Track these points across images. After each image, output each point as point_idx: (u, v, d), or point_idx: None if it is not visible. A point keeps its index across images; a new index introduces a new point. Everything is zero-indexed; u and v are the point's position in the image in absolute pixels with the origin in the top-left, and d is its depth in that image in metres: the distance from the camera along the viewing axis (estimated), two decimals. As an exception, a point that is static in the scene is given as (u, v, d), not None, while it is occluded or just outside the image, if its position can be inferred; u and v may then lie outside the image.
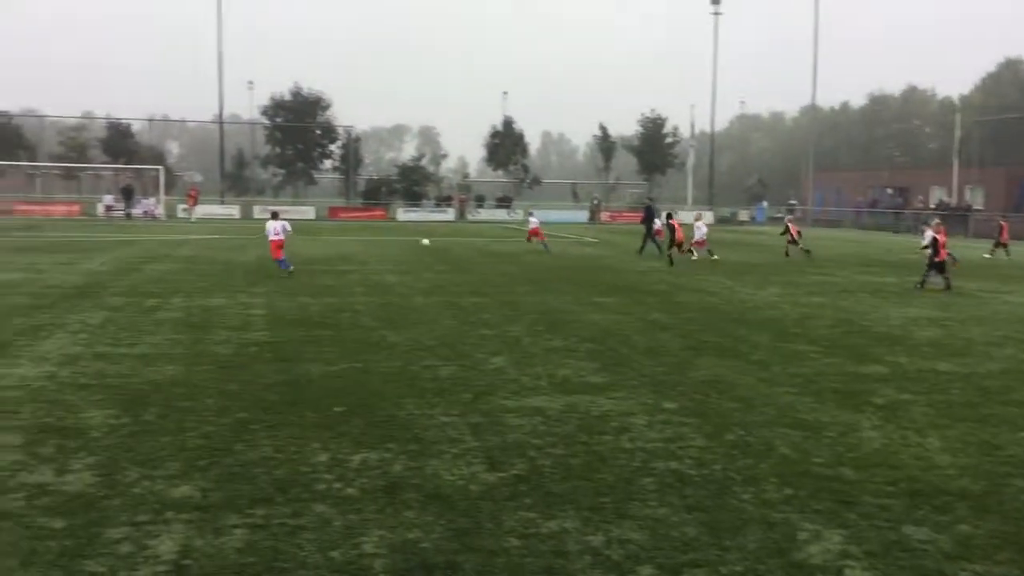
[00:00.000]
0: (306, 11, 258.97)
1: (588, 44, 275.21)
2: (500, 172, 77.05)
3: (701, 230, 28.41)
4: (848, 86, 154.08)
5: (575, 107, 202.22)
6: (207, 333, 12.09)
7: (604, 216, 66.44)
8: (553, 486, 5.95)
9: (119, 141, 70.38)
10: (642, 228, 32.21)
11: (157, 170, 58.83)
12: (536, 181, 75.97)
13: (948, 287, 19.45)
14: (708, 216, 56.49)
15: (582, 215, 67.36)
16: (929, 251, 20.43)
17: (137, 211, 55.90)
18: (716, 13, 70.67)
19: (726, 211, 69.90)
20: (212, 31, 62.80)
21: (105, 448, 6.67)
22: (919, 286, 19.77)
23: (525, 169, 74.37)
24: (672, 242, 26.29)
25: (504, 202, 67.06)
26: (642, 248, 30.33)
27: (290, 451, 6.65)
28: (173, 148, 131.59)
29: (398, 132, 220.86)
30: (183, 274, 20.48)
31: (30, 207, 58.92)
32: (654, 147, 75.88)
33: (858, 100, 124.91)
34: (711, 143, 77.52)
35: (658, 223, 31.00)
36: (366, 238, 38.02)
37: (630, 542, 5.05)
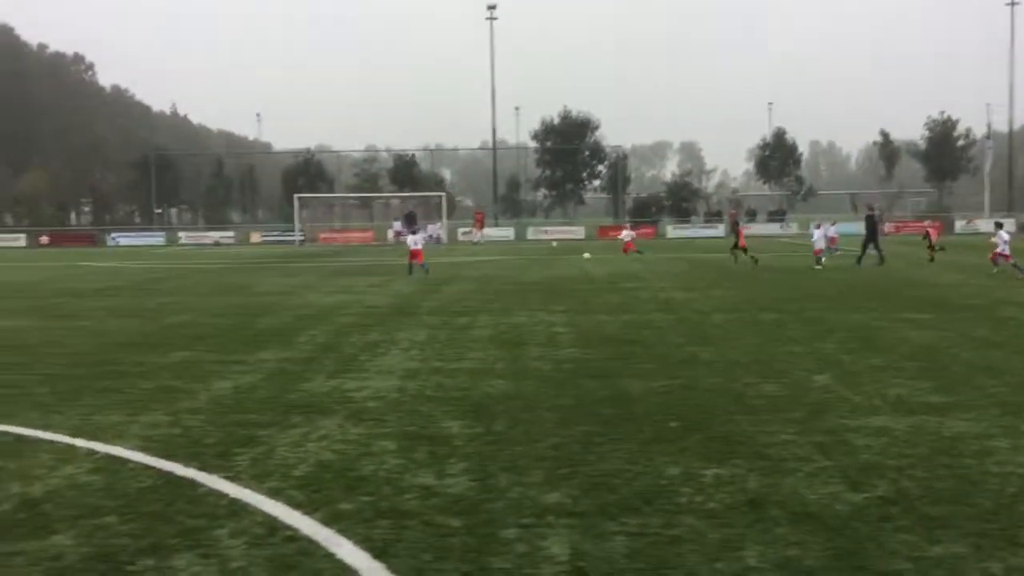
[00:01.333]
0: (564, 36, 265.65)
1: (858, 47, 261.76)
2: (769, 185, 74.88)
3: (1004, 239, 26.06)
4: None
5: (846, 114, 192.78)
6: (522, 350, 12.71)
7: (887, 227, 62.66)
8: (927, 509, 5.73)
9: (404, 170, 75.71)
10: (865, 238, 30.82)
11: (440, 196, 62.64)
12: (811, 192, 73.18)
13: None
14: (1010, 224, 51.77)
15: (862, 227, 63.84)
16: None
17: (422, 236, 59.76)
18: (1012, 3, 64.93)
19: (1030, 218, 63.69)
20: (475, 62, 66.10)
21: (470, 455, 7.20)
22: None
23: (799, 181, 71.87)
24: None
25: (777, 215, 65.17)
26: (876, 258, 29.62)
27: (641, 464, 6.86)
28: (446, 175, 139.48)
29: (659, 149, 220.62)
30: (479, 294, 21.65)
31: (332, 234, 64.75)
32: (943, 151, 70.69)
33: None
34: (1009, 144, 71.03)
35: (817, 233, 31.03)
36: (647, 256, 38.28)
37: (1032, 572, 4.77)
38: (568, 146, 72.88)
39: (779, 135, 73.15)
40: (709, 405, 8.91)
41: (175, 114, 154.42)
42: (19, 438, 7.96)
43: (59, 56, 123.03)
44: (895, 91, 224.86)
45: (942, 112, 72.71)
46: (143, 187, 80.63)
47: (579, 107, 75.69)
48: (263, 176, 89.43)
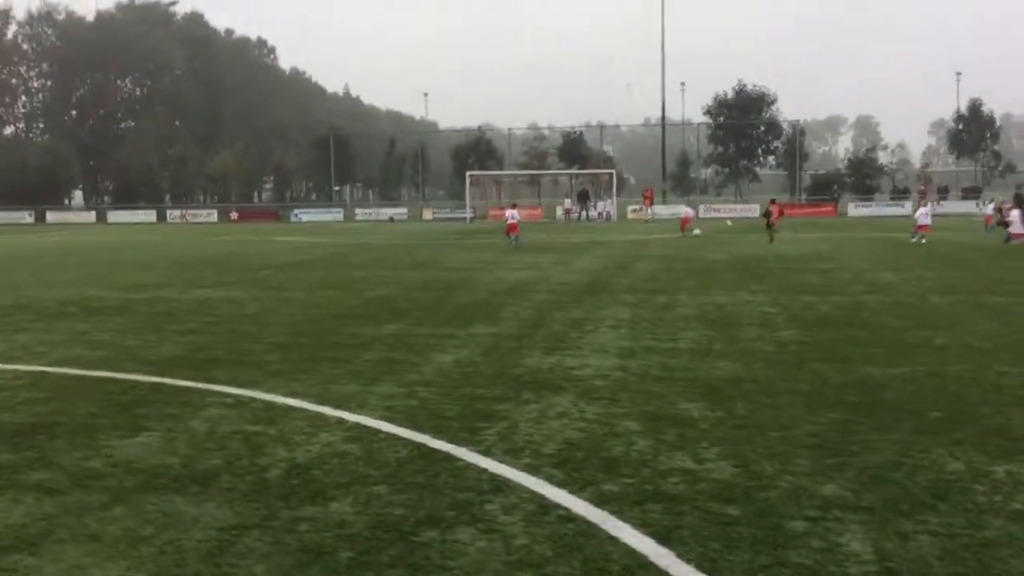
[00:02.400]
0: (727, 7, 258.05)
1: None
2: (959, 161, 70.27)
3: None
4: None
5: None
6: (736, 330, 12.25)
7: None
8: None
9: (572, 148, 75.53)
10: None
11: (610, 174, 62.14)
12: (1010, 168, 68.16)
13: None
14: None
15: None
16: None
17: (593, 213, 59.45)
18: None
19: None
20: (638, 42, 64.86)
21: (721, 439, 6.90)
22: None
23: (996, 156, 67.06)
24: None
25: (972, 193, 61.07)
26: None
27: (915, 456, 6.37)
28: (609, 152, 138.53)
29: (831, 124, 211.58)
30: (668, 272, 21.18)
31: (501, 211, 65.42)
32: None
33: None
34: None
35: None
36: (830, 235, 36.67)
37: None
38: (741, 121, 70.73)
39: (974, 107, 68.41)
40: (966, 395, 8.25)
41: (347, 95, 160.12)
42: (269, 405, 8.24)
43: (244, 41, 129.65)
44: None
45: None
46: (322, 165, 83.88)
47: (753, 81, 73.32)
48: (432, 154, 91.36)
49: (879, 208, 60.27)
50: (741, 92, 72.25)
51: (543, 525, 5.20)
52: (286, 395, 8.59)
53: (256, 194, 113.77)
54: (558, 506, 5.51)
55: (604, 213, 59.78)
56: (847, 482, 5.87)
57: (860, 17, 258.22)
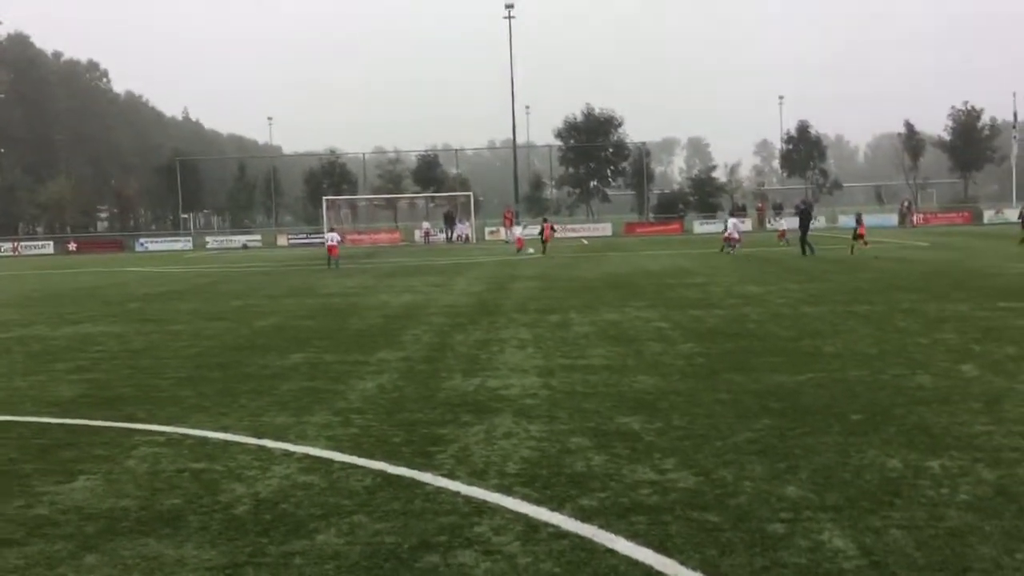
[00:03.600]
0: (566, 34, 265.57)
1: (856, 38, 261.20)
2: (792, 179, 74.65)
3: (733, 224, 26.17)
4: None
5: (852, 105, 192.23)
6: (639, 346, 12.66)
7: (915, 219, 62.51)
8: None
9: (427, 171, 75.68)
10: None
11: (467, 196, 62.62)
12: (836, 185, 72.93)
13: None
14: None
15: (890, 219, 63.83)
16: None
17: (453, 235, 59.74)
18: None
19: (1059, 207, 63.41)
20: (478, 62, 66.08)
21: (671, 450, 7.16)
22: None
23: (824, 174, 71.65)
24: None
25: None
26: (803, 249, 32.50)
27: (855, 457, 6.81)
28: (465, 174, 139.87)
29: (667, 146, 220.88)
30: (549, 291, 21.60)
31: (358, 236, 64.79)
32: (969, 142, 70.43)
33: None
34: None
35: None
36: (683, 251, 38.23)
37: None
38: (591, 143, 72.80)
39: (802, 128, 73.01)
40: (875, 397, 8.86)
41: (187, 119, 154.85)
42: (203, 440, 7.96)
43: (73, 63, 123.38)
44: (899, 83, 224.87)
45: (966, 102, 72.58)
46: (169, 192, 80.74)
47: (600, 104, 75.74)
48: (283, 179, 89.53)
49: (721, 225, 63.26)
50: (589, 115, 74.45)
51: (538, 543, 5.29)
52: (217, 430, 8.31)
53: (93, 224, 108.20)
54: (546, 524, 5.60)
55: (463, 235, 60.17)
56: (804, 484, 6.23)
57: (687, 48, 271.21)
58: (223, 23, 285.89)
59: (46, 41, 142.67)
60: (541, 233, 41.78)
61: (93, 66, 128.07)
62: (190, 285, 27.83)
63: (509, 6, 68.05)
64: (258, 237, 68.41)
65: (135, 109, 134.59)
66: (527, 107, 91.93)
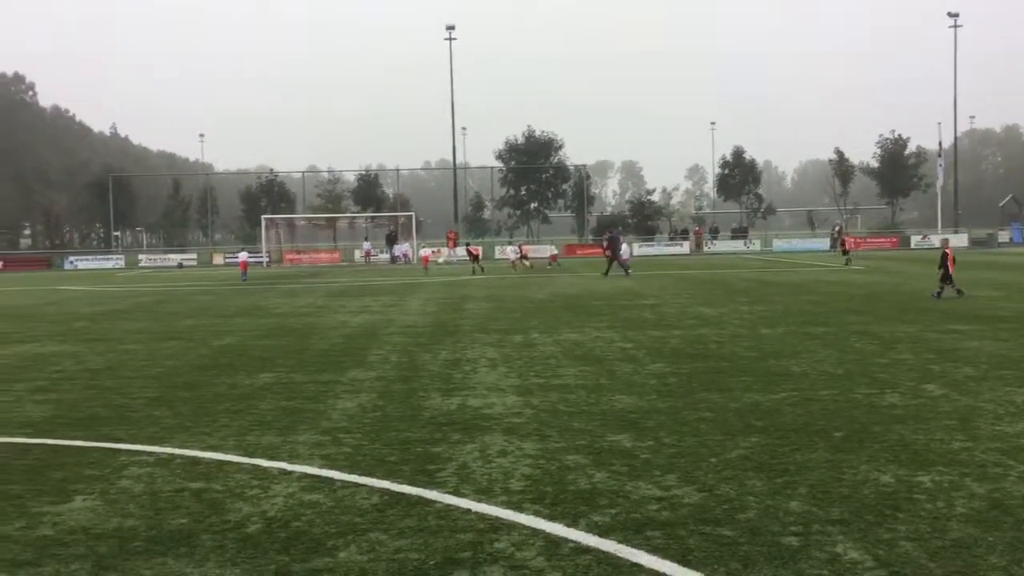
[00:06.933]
0: (501, 56, 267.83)
1: (784, 69, 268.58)
2: (727, 203, 76.18)
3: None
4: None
5: (779, 132, 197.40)
6: (609, 365, 12.82)
7: (849, 242, 64.19)
8: None
9: (367, 191, 75.31)
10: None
11: (408, 216, 62.46)
12: (770, 210, 74.67)
13: None
14: (958, 239, 53.82)
15: (821, 243, 65.54)
16: None
17: (395, 255, 59.50)
18: (955, 26, 67.54)
19: (981, 233, 65.90)
20: (409, 82, 66.36)
21: (668, 467, 7.28)
22: None
23: (759, 199, 73.33)
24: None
25: (740, 233, 66.38)
26: (607, 271, 36.52)
27: (848, 473, 7.02)
28: (405, 194, 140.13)
29: (601, 168, 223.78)
30: (506, 312, 21.68)
31: (298, 256, 64.10)
32: (896, 169, 72.80)
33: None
34: (955, 160, 73.50)
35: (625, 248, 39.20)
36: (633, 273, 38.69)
37: None
38: (531, 165, 73.37)
39: (738, 154, 74.70)
40: (851, 415, 9.13)
41: (115, 135, 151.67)
42: (194, 460, 7.84)
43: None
44: (819, 112, 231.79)
45: (893, 131, 75.15)
46: (95, 209, 78.82)
47: (541, 127, 76.42)
48: (218, 197, 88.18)
49: (660, 248, 64.29)
50: (531, 137, 75.05)
51: (563, 559, 5.35)
52: (205, 449, 8.20)
53: (16, 241, 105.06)
54: (565, 539, 5.67)
55: (402, 255, 59.93)
56: (805, 499, 6.41)
57: (619, 74, 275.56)
58: (153, 39, 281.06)
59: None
60: (520, 256, 45.36)
61: (19, 79, 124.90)
62: (133, 304, 27.24)
63: (450, 27, 68.47)
64: (194, 256, 67.21)
65: (62, 124, 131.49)
66: (464, 128, 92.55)
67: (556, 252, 52.52)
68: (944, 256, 22.89)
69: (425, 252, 48.48)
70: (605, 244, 40.88)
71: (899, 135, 74.79)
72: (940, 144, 70.49)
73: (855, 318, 18.30)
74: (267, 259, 60.61)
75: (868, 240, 66.09)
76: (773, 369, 12.21)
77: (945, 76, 67.87)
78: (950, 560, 5.20)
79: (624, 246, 40.46)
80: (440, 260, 57.67)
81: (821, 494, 6.50)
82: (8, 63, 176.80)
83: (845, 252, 44.23)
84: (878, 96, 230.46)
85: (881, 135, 75.11)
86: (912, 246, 64.14)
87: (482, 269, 42.97)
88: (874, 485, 6.70)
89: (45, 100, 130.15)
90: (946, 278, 22.58)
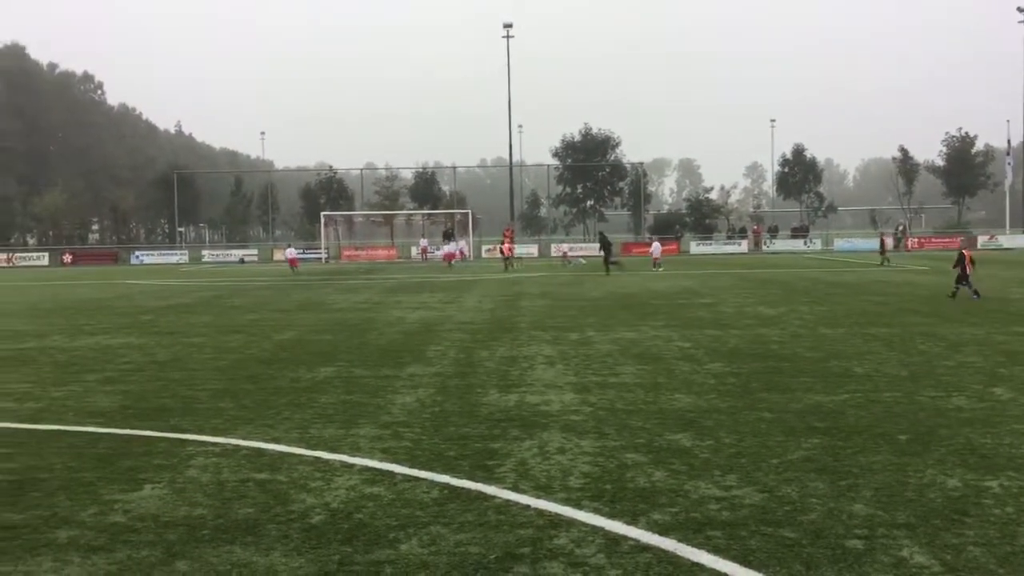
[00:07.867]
0: (560, 54, 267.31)
1: (846, 66, 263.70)
2: (787, 202, 75.09)
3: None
4: None
5: (841, 130, 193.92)
6: (667, 364, 12.75)
7: (910, 243, 62.94)
8: None
9: (424, 188, 75.82)
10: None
11: (465, 213, 62.75)
12: (831, 208, 73.42)
13: None
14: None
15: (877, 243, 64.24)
16: None
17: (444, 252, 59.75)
18: (1026, 21, 65.64)
19: (1053, 234, 64.04)
20: (471, 81, 66.43)
21: (728, 467, 7.24)
22: None
23: (819, 197, 72.18)
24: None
25: (800, 232, 65.41)
26: (608, 271, 37.92)
27: (914, 476, 6.90)
28: (463, 192, 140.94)
29: (658, 166, 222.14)
30: (562, 310, 21.67)
31: (356, 252, 64.81)
32: (963, 167, 71.06)
33: None
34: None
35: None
36: (686, 272, 38.38)
37: None
38: (588, 163, 73.16)
39: (798, 151, 73.56)
40: (916, 418, 8.97)
41: (180, 132, 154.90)
42: (259, 451, 8.00)
43: (68, 75, 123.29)
44: (886, 109, 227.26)
45: (960, 128, 73.32)
46: (161, 205, 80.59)
47: (598, 125, 76.09)
48: (279, 194, 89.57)
49: (718, 246, 63.67)
50: (587, 135, 74.81)
51: (623, 556, 5.35)
52: (269, 441, 8.36)
53: (86, 236, 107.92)
54: (624, 537, 5.67)
55: (460, 252, 60.13)
56: (869, 502, 6.31)
57: (677, 74, 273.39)
58: (215, 40, 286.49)
59: (41, 52, 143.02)
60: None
61: (88, 78, 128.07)
62: (197, 298, 27.80)
63: (507, 25, 68.55)
64: (255, 251, 68.32)
65: (129, 122, 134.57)
66: (520, 126, 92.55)
67: (568, 250, 54.51)
68: (961, 256, 22.82)
69: (448, 249, 50.86)
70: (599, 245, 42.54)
71: (966, 132, 73.05)
72: (1009, 142, 68.62)
73: (919, 319, 17.94)
74: (326, 255, 61.37)
75: (932, 240, 64.64)
76: (835, 370, 12.03)
77: (1015, 72, 66.06)
78: (1020, 566, 5.09)
79: (656, 244, 45.00)
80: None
81: (886, 497, 6.40)
82: (78, 62, 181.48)
83: (883, 252, 43.00)
84: (943, 94, 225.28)
85: (947, 133, 73.50)
86: (979, 246, 62.60)
87: (514, 267, 44.62)
88: (941, 489, 6.58)
89: (113, 99, 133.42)
90: (962, 278, 22.23)
